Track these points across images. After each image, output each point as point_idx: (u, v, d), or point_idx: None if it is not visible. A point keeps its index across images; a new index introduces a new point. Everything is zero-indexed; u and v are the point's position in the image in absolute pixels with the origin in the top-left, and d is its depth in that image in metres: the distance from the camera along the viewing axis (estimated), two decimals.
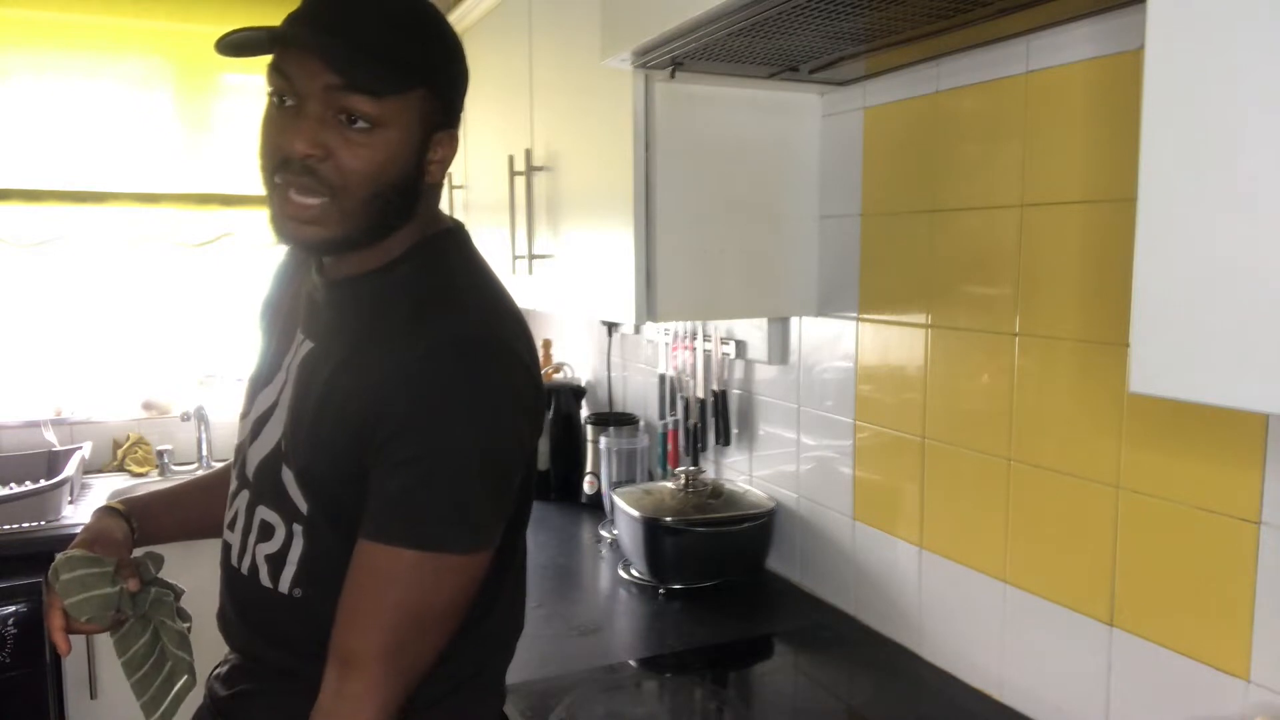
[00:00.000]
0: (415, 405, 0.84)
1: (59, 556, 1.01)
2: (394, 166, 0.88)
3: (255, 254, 2.72)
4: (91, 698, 2.09)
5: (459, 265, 0.97)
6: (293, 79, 0.85)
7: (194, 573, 2.13)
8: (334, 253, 0.93)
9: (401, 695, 0.86)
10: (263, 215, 2.86)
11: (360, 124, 0.85)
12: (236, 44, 0.86)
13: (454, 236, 1.00)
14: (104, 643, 2.08)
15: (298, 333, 1.00)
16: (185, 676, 1.10)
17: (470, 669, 0.99)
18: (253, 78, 2.70)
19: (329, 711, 0.85)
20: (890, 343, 1.49)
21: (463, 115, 0.99)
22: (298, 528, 0.93)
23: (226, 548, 1.02)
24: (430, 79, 0.90)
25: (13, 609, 1.95)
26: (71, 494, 2.27)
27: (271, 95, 0.88)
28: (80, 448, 2.47)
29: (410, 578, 0.84)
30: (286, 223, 0.88)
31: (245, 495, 1.00)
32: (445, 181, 1.01)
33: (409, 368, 0.85)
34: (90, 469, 2.51)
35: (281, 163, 0.86)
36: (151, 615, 1.08)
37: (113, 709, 2.11)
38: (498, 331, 0.91)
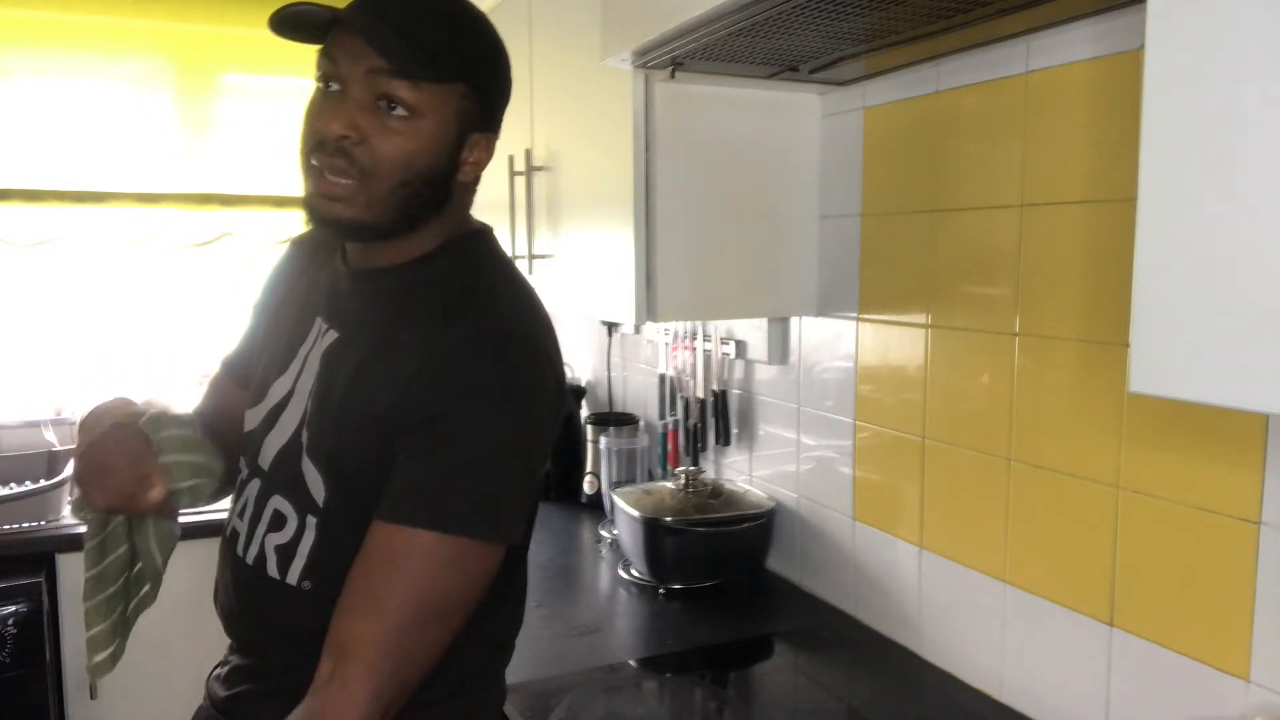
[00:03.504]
0: (448, 394, 0.86)
1: (149, 414, 0.97)
2: (425, 158, 0.90)
3: (255, 254, 2.72)
4: (91, 698, 2.08)
5: (490, 264, 1.00)
6: (338, 63, 0.88)
7: (194, 565, 2.13)
8: (360, 238, 0.95)
9: (396, 690, 0.83)
10: (263, 215, 2.87)
11: (398, 111, 0.87)
12: (290, 21, 0.87)
13: (484, 238, 1.03)
14: None
15: (316, 322, 1.00)
16: (148, 586, 1.03)
17: (474, 667, 0.99)
18: (254, 78, 2.70)
19: (317, 697, 0.83)
20: (890, 343, 1.49)
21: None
22: (311, 519, 0.93)
23: (233, 536, 1.01)
24: (470, 76, 0.92)
25: (13, 609, 1.94)
26: (71, 494, 2.26)
27: (318, 80, 0.90)
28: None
29: (424, 563, 0.84)
30: (317, 201, 0.90)
31: (257, 484, 0.99)
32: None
33: (443, 357, 0.87)
34: None
35: (318, 144, 0.88)
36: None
37: (113, 709, 2.11)
38: (529, 328, 0.93)
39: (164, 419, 0.97)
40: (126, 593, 1.02)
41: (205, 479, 1.00)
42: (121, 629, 1.02)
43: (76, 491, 0.97)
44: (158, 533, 1.02)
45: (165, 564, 1.04)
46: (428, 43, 0.87)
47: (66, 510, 2.19)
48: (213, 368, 1.17)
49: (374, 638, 0.83)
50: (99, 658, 1.00)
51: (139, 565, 1.02)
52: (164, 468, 0.96)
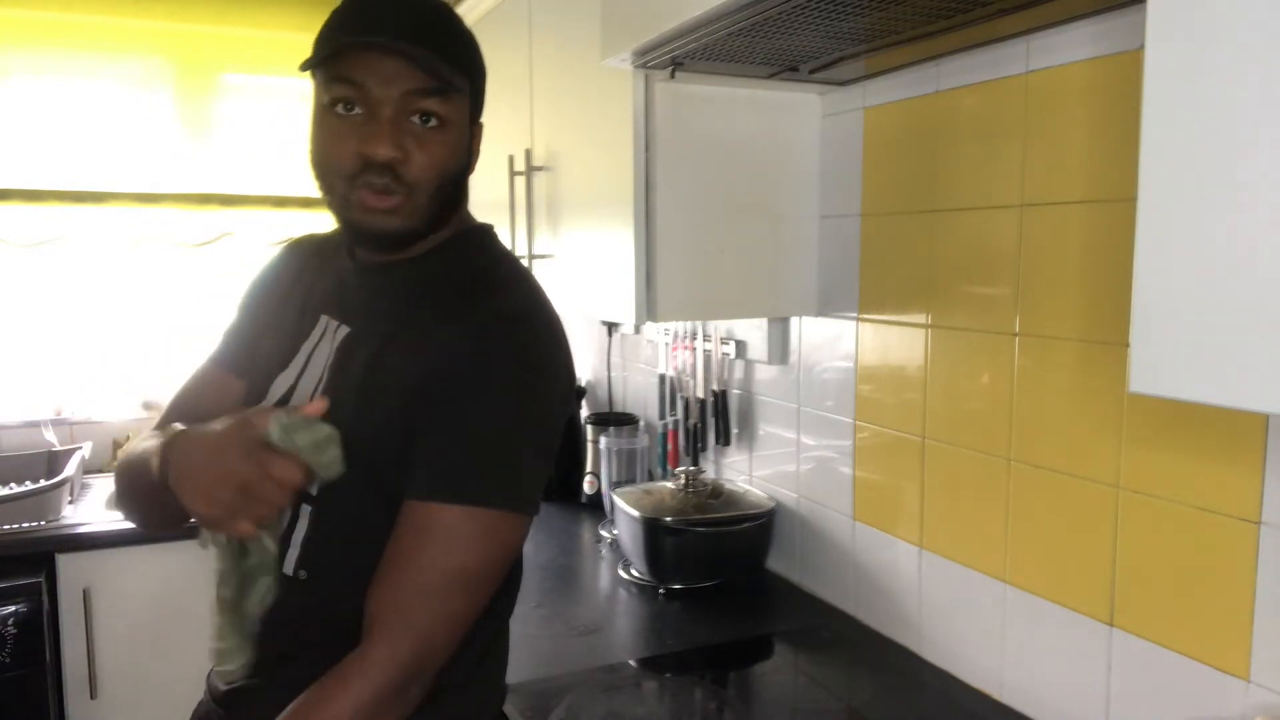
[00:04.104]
0: (467, 372, 0.89)
1: (275, 419, 0.85)
2: (455, 160, 0.96)
3: (255, 254, 2.72)
4: (91, 698, 2.09)
5: (498, 255, 1.04)
6: (366, 86, 0.89)
7: (194, 564, 2.13)
8: (406, 244, 0.98)
9: (417, 657, 0.85)
10: (263, 215, 2.87)
11: (431, 123, 0.91)
12: (316, 60, 0.91)
13: (488, 233, 1.07)
14: (103, 641, 2.08)
15: (321, 319, 1.03)
16: (269, 580, 0.93)
17: (479, 653, 1.00)
18: (254, 78, 2.70)
19: (340, 664, 0.85)
20: (890, 343, 1.49)
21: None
22: (305, 508, 0.95)
23: None
24: (475, 79, 0.97)
25: (13, 609, 1.95)
26: (71, 494, 2.27)
27: (333, 104, 0.91)
28: (80, 448, 2.47)
29: (448, 535, 0.87)
30: (369, 218, 0.92)
31: None
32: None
33: (460, 338, 0.90)
34: (90, 469, 2.51)
35: (364, 167, 0.90)
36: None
37: (113, 708, 2.11)
38: (541, 311, 0.96)
39: (296, 422, 0.87)
40: (247, 596, 0.95)
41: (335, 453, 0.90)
42: (248, 633, 0.96)
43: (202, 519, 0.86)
44: (271, 528, 0.94)
45: (277, 552, 0.95)
46: (451, 57, 0.91)
47: (66, 510, 2.19)
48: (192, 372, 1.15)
49: (399, 607, 0.86)
50: (230, 666, 0.94)
51: (252, 561, 0.94)
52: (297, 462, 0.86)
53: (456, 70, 0.91)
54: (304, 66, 0.91)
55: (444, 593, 0.87)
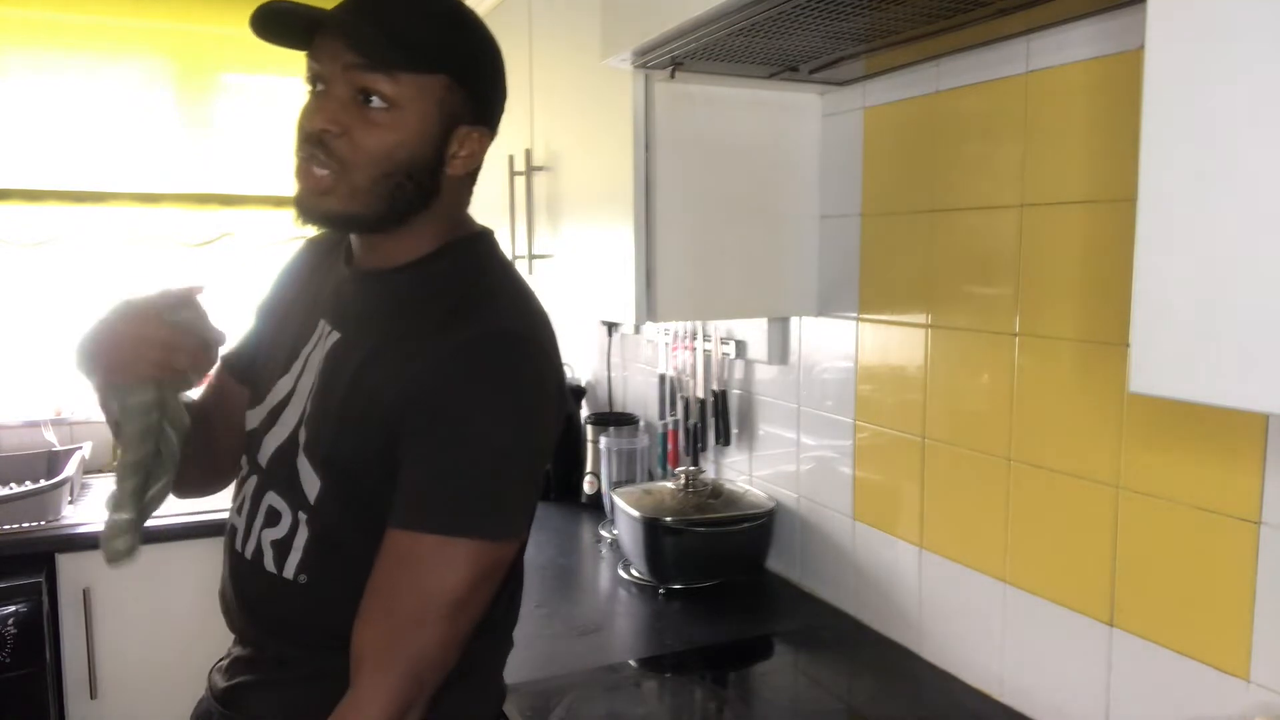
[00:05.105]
0: (452, 393, 0.87)
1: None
2: (407, 149, 0.90)
3: (255, 254, 2.72)
4: (91, 698, 2.09)
5: (492, 266, 1.01)
6: (320, 62, 0.90)
7: (196, 565, 2.13)
8: (346, 229, 0.97)
9: (411, 689, 0.85)
10: (263, 215, 2.87)
11: (377, 103, 0.88)
12: (271, 23, 0.89)
13: (485, 240, 1.04)
14: (103, 641, 2.08)
15: (320, 324, 1.02)
16: (166, 478, 1.01)
17: (471, 660, 1.00)
18: (254, 78, 2.70)
19: (339, 709, 0.85)
20: (890, 343, 1.49)
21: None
22: (303, 515, 0.95)
23: (232, 531, 1.03)
24: (452, 67, 0.91)
25: (13, 609, 1.94)
26: (71, 494, 2.27)
27: (306, 83, 0.92)
28: (80, 448, 2.47)
29: (431, 564, 0.85)
30: (302, 195, 0.92)
31: (254, 481, 1.01)
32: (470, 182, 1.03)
33: (447, 357, 0.88)
34: (90, 469, 2.51)
35: (303, 140, 0.90)
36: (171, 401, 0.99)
37: (113, 709, 2.11)
38: (531, 330, 0.94)
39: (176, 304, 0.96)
40: (148, 483, 1.00)
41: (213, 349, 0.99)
42: (139, 519, 1.00)
43: (103, 377, 0.94)
44: (175, 420, 1.00)
45: (180, 454, 1.01)
46: (402, 35, 0.88)
47: (66, 510, 2.19)
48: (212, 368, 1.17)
49: (382, 641, 0.85)
50: (122, 543, 0.97)
51: (161, 455, 1.01)
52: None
53: (409, 52, 0.87)
54: (254, 27, 0.90)
55: (430, 621, 0.86)
